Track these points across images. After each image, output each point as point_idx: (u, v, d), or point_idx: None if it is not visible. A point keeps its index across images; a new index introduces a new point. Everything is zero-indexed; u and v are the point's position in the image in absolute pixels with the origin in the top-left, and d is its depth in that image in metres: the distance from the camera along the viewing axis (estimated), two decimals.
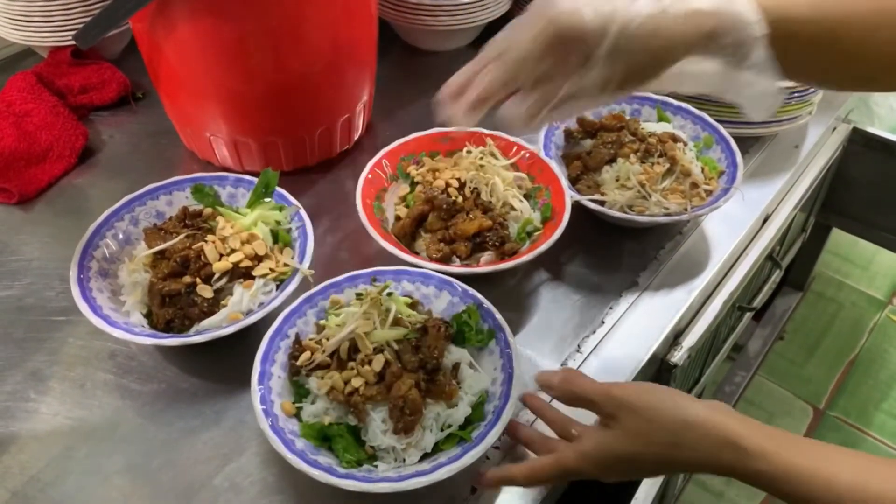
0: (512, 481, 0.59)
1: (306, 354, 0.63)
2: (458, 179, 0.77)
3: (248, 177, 0.78)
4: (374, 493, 0.55)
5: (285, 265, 0.70)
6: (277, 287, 0.70)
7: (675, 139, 0.85)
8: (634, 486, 0.78)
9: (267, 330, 0.69)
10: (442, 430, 0.61)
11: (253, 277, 0.69)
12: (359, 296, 0.67)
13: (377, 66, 0.95)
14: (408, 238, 0.77)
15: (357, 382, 0.60)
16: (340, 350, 0.62)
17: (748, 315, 1.06)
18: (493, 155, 0.82)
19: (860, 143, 1.09)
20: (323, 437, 0.60)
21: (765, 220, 0.92)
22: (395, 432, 0.60)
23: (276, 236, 0.74)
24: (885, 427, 1.72)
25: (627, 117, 0.88)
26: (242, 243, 0.70)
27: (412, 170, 0.82)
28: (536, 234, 0.76)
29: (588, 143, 0.87)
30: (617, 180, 0.81)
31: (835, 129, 1.07)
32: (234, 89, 0.81)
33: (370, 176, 0.79)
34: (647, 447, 0.52)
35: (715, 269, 0.82)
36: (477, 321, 0.66)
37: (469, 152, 0.82)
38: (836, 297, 2.01)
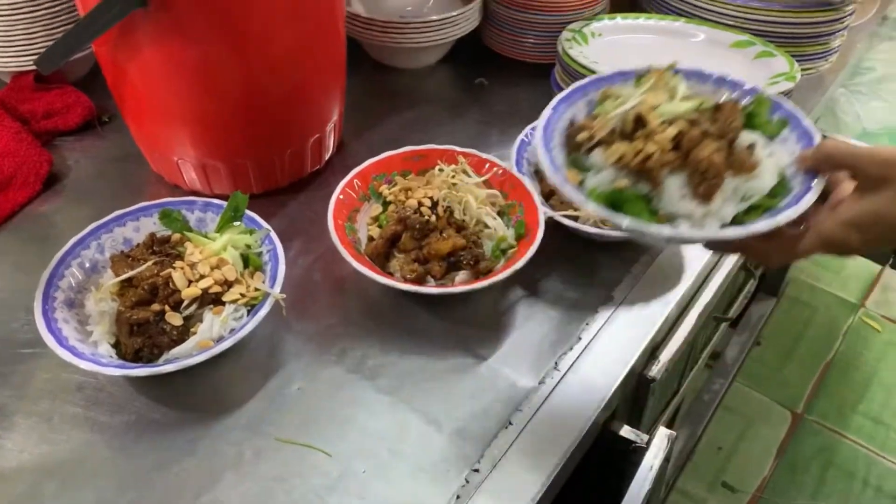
0: (766, 259, 0.59)
1: (585, 133, 0.60)
2: (431, 198, 0.77)
3: (216, 201, 0.76)
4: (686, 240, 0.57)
5: (256, 290, 0.69)
6: (249, 312, 0.69)
7: None
8: (620, 495, 0.77)
9: (238, 357, 0.68)
10: (743, 201, 0.58)
11: (223, 303, 0.68)
12: (639, 79, 0.64)
13: (347, 84, 0.94)
14: (381, 259, 0.76)
15: (652, 148, 0.58)
16: (625, 124, 0.60)
17: (725, 324, 1.07)
18: (465, 172, 0.81)
19: None
20: (612, 205, 0.58)
21: None
22: (694, 196, 0.57)
23: (246, 260, 0.73)
24: (862, 429, 1.74)
25: None
26: (212, 269, 0.69)
27: (384, 189, 0.82)
28: (511, 251, 0.76)
29: None
30: None
31: None
32: (202, 112, 0.80)
33: (341, 196, 0.78)
34: None
35: (690, 281, 0.82)
36: (766, 110, 0.63)
37: (441, 170, 0.81)
38: (810, 301, 2.04)
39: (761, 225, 0.55)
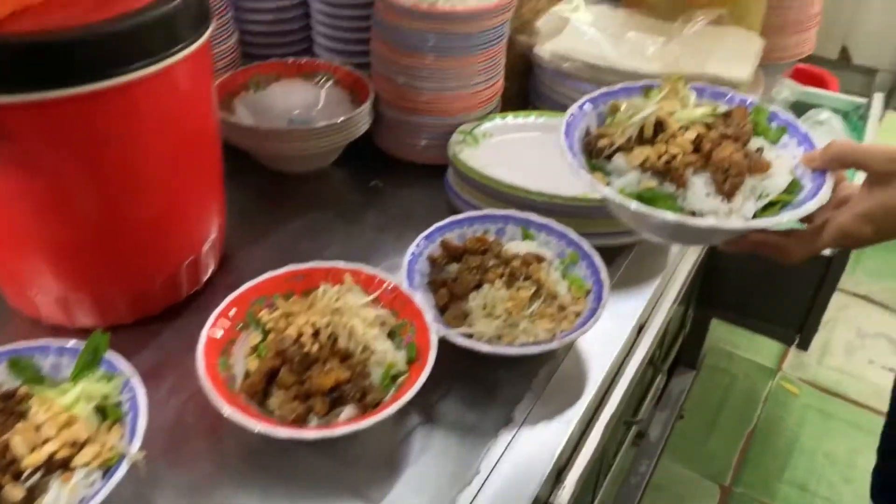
0: (787, 254, 0.63)
1: (606, 139, 0.65)
2: (313, 325, 0.72)
3: (73, 343, 0.69)
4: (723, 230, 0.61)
5: (112, 448, 0.62)
6: (104, 475, 0.61)
7: (539, 259, 0.82)
8: None
9: None
10: (760, 199, 0.63)
11: (73, 469, 0.60)
12: (647, 91, 0.69)
13: (233, 191, 0.90)
14: (259, 396, 0.69)
15: (675, 149, 0.62)
16: (644, 129, 0.64)
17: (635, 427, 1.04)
18: (351, 292, 0.76)
19: None
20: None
21: (640, 329, 0.91)
22: (719, 193, 0.61)
23: (104, 412, 0.65)
24: (788, 498, 1.73)
25: (492, 238, 0.86)
26: (60, 428, 0.61)
27: (264, 314, 0.76)
28: (402, 378, 0.71)
29: (454, 267, 0.83)
30: (484, 308, 0.78)
31: None
32: (58, 243, 0.73)
33: (214, 330, 0.72)
34: None
35: (593, 391, 0.78)
36: (765, 118, 0.69)
37: (325, 292, 0.76)
38: (728, 368, 2.05)
39: (790, 214, 0.60)
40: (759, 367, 2.05)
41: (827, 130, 1.21)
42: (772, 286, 1.13)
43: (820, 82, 1.90)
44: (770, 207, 0.63)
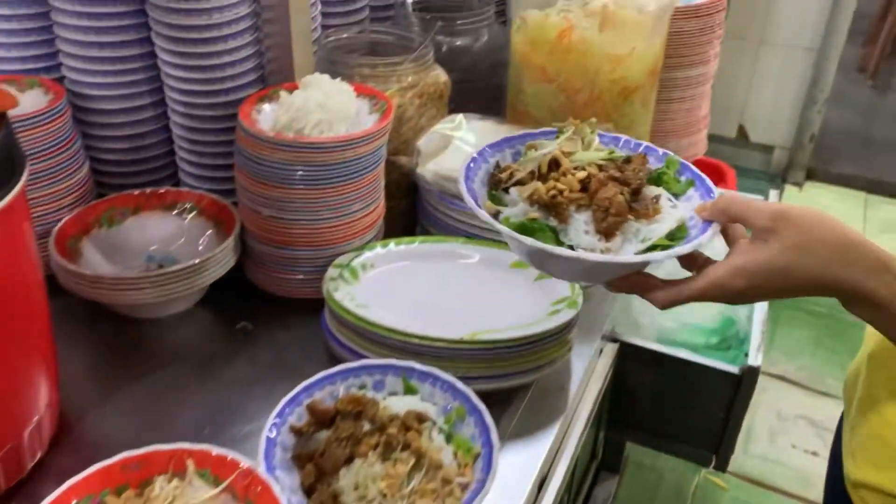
0: (656, 296, 0.63)
1: (507, 172, 0.68)
2: None
3: None
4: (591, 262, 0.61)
5: None
6: None
7: (421, 419, 0.73)
8: None
9: None
10: (642, 242, 0.63)
11: None
12: (560, 132, 0.72)
13: (75, 344, 0.79)
14: None
15: (562, 186, 0.65)
16: (541, 166, 0.67)
17: None
18: (193, 485, 0.65)
19: (631, 358, 1.05)
20: (522, 234, 0.63)
21: (542, 482, 0.81)
22: (597, 231, 0.63)
23: None
24: None
25: (369, 394, 0.76)
26: None
27: None
28: None
29: (323, 436, 0.73)
30: (356, 489, 0.67)
31: (601, 350, 1.01)
32: None
33: None
34: (803, 260, 0.56)
35: None
36: (674, 170, 0.70)
37: (162, 489, 0.64)
38: (654, 464, 1.98)
39: (656, 255, 0.61)
40: (684, 462, 1.98)
41: None
42: (684, 407, 1.07)
43: (718, 174, 1.92)
44: (650, 251, 0.63)
